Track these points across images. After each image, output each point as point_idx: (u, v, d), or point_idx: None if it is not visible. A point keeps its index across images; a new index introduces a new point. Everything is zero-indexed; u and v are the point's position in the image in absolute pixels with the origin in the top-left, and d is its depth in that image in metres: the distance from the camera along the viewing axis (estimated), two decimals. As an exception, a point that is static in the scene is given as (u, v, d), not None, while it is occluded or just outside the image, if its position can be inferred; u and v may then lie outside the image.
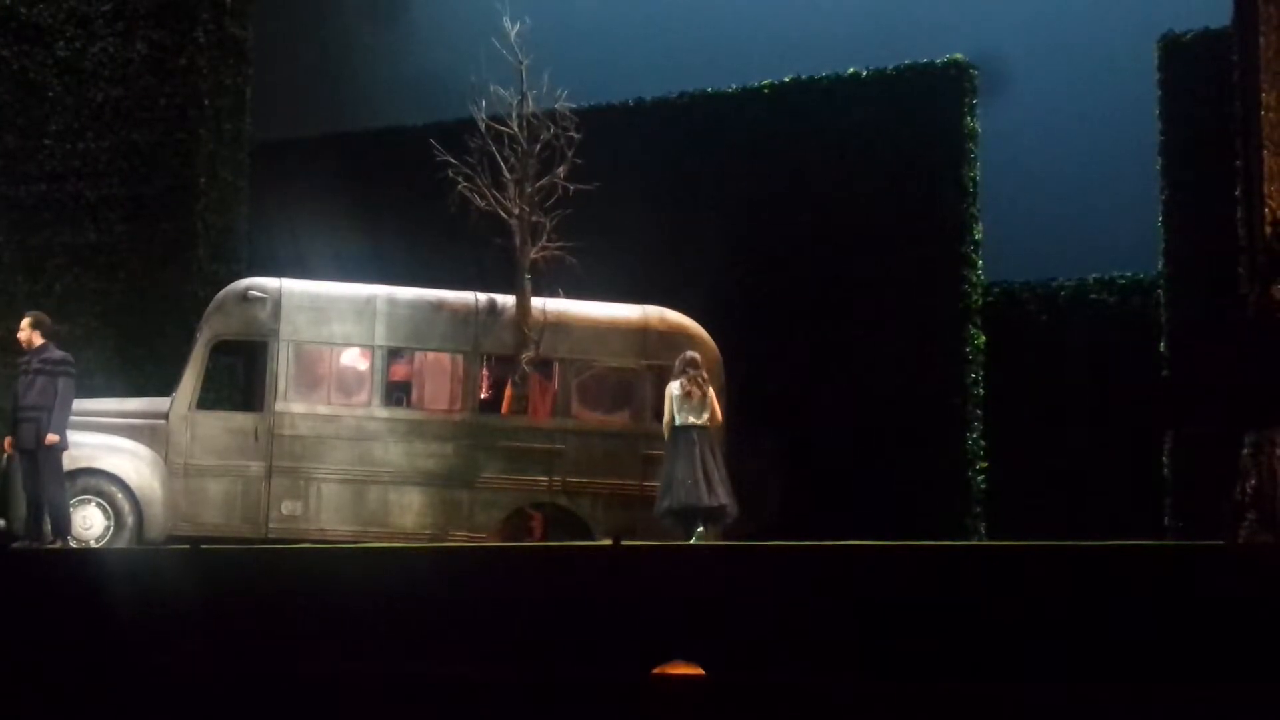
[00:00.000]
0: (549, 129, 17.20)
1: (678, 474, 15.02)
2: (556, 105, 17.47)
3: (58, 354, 14.82)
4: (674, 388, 15.30)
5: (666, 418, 15.32)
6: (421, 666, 8.58)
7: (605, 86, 22.46)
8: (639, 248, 20.46)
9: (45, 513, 14.52)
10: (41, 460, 14.48)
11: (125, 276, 20.38)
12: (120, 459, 15.69)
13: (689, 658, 8.50)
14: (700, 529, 14.95)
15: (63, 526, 14.54)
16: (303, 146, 24.69)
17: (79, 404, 15.16)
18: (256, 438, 16.02)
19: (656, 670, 7.80)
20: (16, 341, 15.07)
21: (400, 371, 16.68)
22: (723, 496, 15.03)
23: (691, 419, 15.16)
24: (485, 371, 16.67)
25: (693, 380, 15.23)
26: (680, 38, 29.14)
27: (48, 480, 14.50)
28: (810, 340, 20.55)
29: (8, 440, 14.90)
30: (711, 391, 15.33)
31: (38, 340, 14.80)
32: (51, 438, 14.42)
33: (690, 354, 15.63)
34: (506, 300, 16.71)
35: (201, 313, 16.95)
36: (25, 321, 14.96)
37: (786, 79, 21.86)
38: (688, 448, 15.05)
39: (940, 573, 9.44)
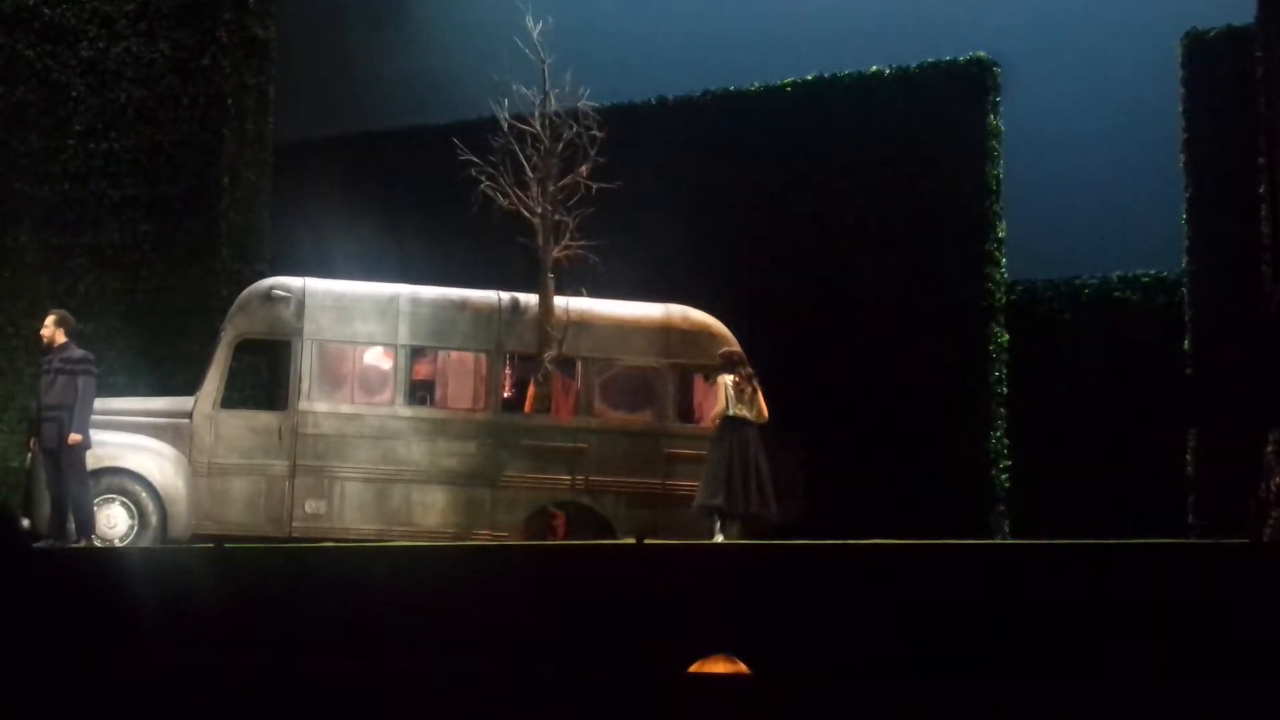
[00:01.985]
0: (571, 128, 17.21)
1: (724, 472, 14.86)
2: (579, 104, 17.48)
3: (78, 353, 14.83)
4: (728, 380, 15.14)
5: (720, 408, 15.14)
6: (444, 665, 8.57)
7: (628, 85, 22.48)
8: (662, 246, 20.46)
9: (69, 512, 14.55)
10: (64, 459, 14.47)
11: (148, 276, 20.38)
12: (144, 458, 15.72)
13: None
14: (726, 529, 14.89)
15: (87, 526, 14.55)
16: (325, 146, 24.79)
17: (103, 403, 15.19)
18: (280, 437, 16.02)
19: (695, 667, 7.75)
20: (40, 340, 15.10)
21: (423, 370, 16.67)
22: (767, 500, 14.95)
23: (744, 412, 15.10)
24: (508, 370, 16.65)
25: (745, 375, 15.17)
26: (703, 36, 29.11)
27: (71, 479, 14.50)
28: (832, 338, 20.52)
29: (32, 441, 14.96)
30: (758, 387, 15.29)
31: (60, 338, 14.79)
32: (74, 437, 14.41)
33: (734, 349, 15.59)
34: (529, 299, 16.71)
35: (225, 312, 16.99)
36: (49, 319, 14.95)
37: (809, 77, 21.88)
38: (741, 445, 14.92)
39: (963, 572, 9.41)
